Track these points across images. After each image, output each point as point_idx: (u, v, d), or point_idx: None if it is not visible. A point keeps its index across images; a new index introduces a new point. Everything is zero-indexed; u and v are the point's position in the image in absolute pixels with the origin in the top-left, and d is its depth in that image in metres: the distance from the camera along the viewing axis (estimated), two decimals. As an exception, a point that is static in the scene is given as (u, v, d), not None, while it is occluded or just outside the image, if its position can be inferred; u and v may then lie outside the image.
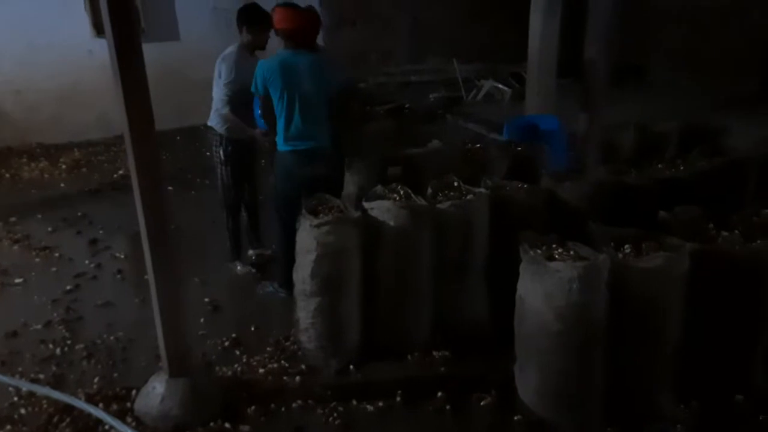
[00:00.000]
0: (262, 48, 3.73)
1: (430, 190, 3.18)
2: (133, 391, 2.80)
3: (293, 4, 3.36)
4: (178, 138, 6.96)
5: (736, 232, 2.68)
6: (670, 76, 8.00)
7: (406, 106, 7.50)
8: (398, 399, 2.76)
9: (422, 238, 2.98)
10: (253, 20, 3.62)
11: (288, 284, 3.20)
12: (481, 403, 2.71)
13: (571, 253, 2.57)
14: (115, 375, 3.01)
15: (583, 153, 4.16)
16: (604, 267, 2.43)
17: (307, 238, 2.88)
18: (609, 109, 4.91)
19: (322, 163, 3.40)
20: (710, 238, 2.70)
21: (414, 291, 3.03)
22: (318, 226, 2.82)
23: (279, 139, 3.41)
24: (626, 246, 2.63)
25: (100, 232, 4.71)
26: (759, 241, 2.59)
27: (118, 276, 4.05)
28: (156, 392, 2.64)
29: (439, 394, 2.76)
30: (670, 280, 2.49)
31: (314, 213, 2.96)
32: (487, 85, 8.28)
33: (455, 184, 3.26)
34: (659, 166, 3.63)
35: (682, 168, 3.54)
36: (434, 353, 3.04)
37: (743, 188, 3.57)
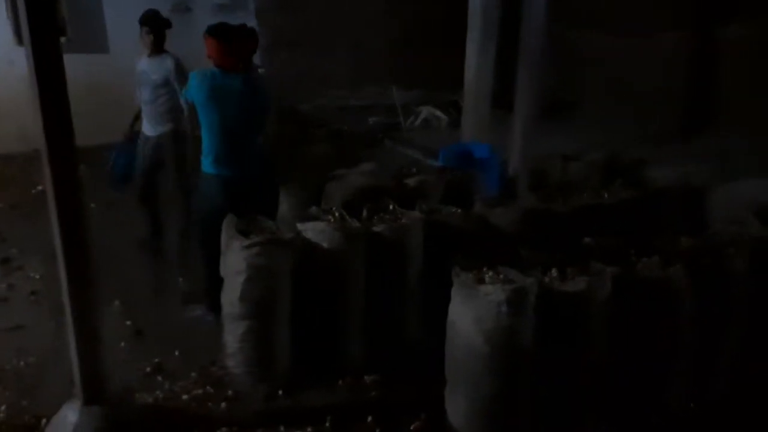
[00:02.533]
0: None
1: (365, 213, 3.18)
2: (44, 420, 2.63)
3: (224, 31, 3.23)
4: (105, 154, 6.69)
5: (655, 258, 2.80)
6: (598, 110, 8.37)
7: (345, 129, 7.53)
8: (327, 424, 2.70)
9: (356, 261, 2.96)
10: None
11: (216, 307, 3.10)
12: (411, 427, 2.69)
13: (501, 276, 2.62)
14: (24, 403, 2.82)
15: (514, 181, 4.27)
16: (532, 290, 2.48)
17: (237, 259, 2.81)
18: (541, 140, 5.09)
19: (247, 191, 3.27)
20: (631, 263, 2.80)
21: (347, 314, 3.00)
22: (248, 247, 2.76)
23: (203, 159, 3.32)
24: (553, 270, 2.70)
25: (14, 250, 4.44)
26: (675, 267, 2.71)
27: (32, 297, 3.82)
28: (68, 421, 2.49)
29: (369, 418, 2.73)
30: (593, 304, 2.56)
31: (245, 234, 2.89)
32: (425, 111, 8.43)
33: (390, 207, 3.27)
34: (585, 195, 3.77)
35: (606, 197, 3.68)
36: (366, 377, 3.00)
37: (662, 217, 3.74)
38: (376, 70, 9.60)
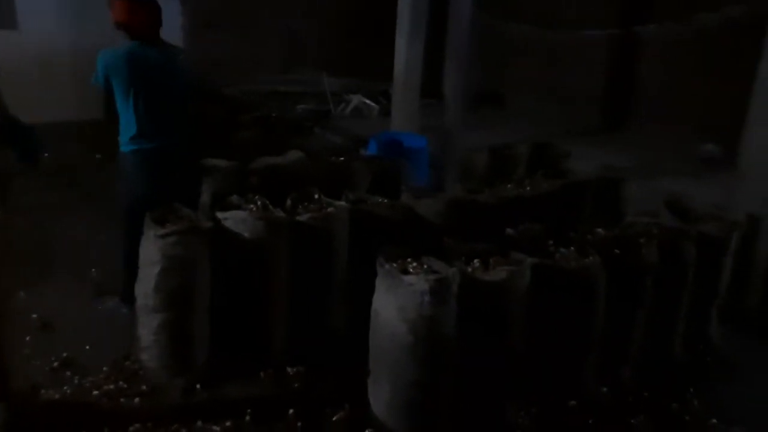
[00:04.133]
0: None
1: (289, 202, 3.11)
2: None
3: None
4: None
5: (572, 248, 2.88)
6: (526, 103, 8.57)
7: (273, 115, 7.37)
8: (248, 418, 2.63)
9: (279, 251, 2.89)
10: None
11: (130, 299, 2.96)
12: (334, 419, 2.67)
13: (425, 267, 2.62)
14: None
15: (442, 171, 4.31)
16: (454, 280, 2.50)
17: (152, 249, 2.69)
18: (469, 131, 5.16)
19: (171, 166, 3.16)
20: (549, 253, 2.87)
21: (269, 306, 2.93)
22: (163, 236, 2.64)
23: (122, 138, 3.16)
24: (476, 260, 2.73)
25: None
26: (591, 258, 2.80)
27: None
28: (-36, 421, 2.31)
29: (291, 411, 2.68)
30: (514, 293, 2.61)
31: (161, 222, 2.77)
32: (356, 100, 8.37)
33: (316, 196, 3.21)
34: (508, 186, 3.84)
35: (528, 188, 3.76)
36: (288, 369, 2.95)
37: (581, 208, 3.87)
38: (307, 56, 9.46)
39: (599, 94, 8.01)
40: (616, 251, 2.92)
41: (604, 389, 2.94)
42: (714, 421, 2.77)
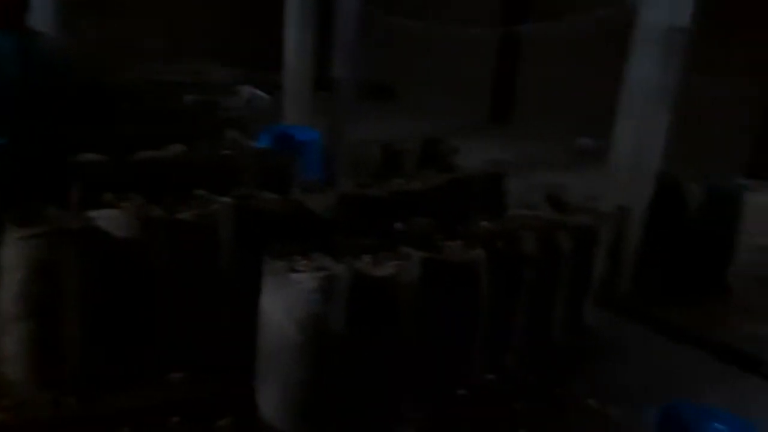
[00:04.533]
0: None
1: (169, 199, 2.94)
2: None
3: None
4: None
5: (459, 241, 2.94)
6: (418, 97, 8.73)
7: (156, 106, 6.98)
8: (126, 430, 2.48)
9: (158, 251, 2.73)
10: None
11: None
12: (220, 424, 2.57)
13: (313, 264, 2.58)
14: None
15: (333, 165, 4.28)
16: (343, 277, 2.48)
17: (13, 253, 2.45)
18: (362, 126, 5.16)
19: (23, 169, 2.88)
20: (438, 247, 2.92)
21: (148, 309, 2.77)
22: (26, 239, 2.42)
23: None
24: (366, 256, 2.72)
25: None
26: (477, 250, 2.88)
27: None
28: None
29: (175, 419, 2.55)
30: (403, 287, 2.63)
31: (23, 224, 2.52)
32: (247, 91, 8.13)
33: (199, 192, 3.07)
34: (399, 180, 3.87)
35: (418, 183, 3.81)
36: (171, 376, 2.80)
37: (467, 202, 3.97)
38: (196, 44, 9.07)
39: (487, 89, 8.32)
40: (499, 244, 3.02)
41: (491, 377, 3.04)
42: (591, 401, 2.94)
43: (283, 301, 2.45)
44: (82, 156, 3.21)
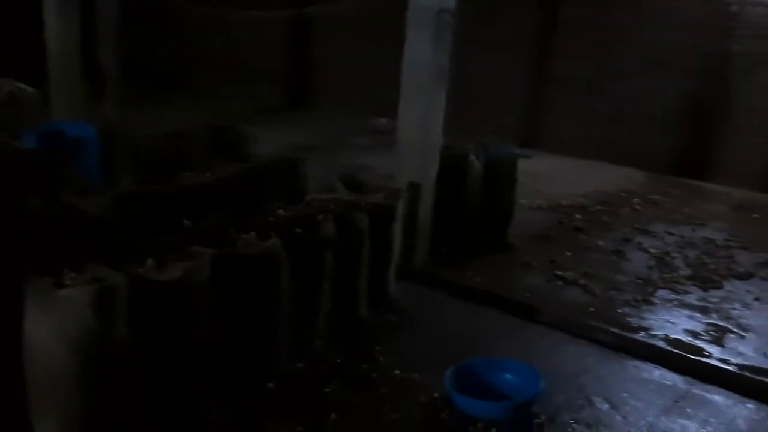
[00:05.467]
0: None
1: None
2: None
3: None
4: None
5: (253, 233, 2.85)
6: (210, 84, 8.34)
7: None
8: None
9: None
10: None
11: None
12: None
13: (86, 276, 2.31)
14: None
15: (112, 162, 3.90)
16: (122, 286, 2.26)
17: None
18: (147, 117, 4.77)
19: None
20: (231, 241, 2.80)
21: None
22: None
23: None
24: (149, 260, 2.51)
25: None
26: (272, 240, 2.81)
27: None
28: None
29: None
30: (194, 289, 2.48)
31: None
32: (8, 84, 7.11)
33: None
34: (188, 173, 3.64)
35: (208, 175, 3.62)
36: None
37: (264, 191, 3.87)
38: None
39: (281, 73, 8.22)
40: (297, 230, 2.98)
41: (300, 364, 3.01)
42: (397, 372, 3.04)
43: (52, 321, 2.16)
44: None
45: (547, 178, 5.92)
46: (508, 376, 2.91)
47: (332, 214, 3.20)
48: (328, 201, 3.41)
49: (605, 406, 2.89)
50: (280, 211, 3.19)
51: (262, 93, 7.85)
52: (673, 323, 3.65)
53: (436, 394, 2.86)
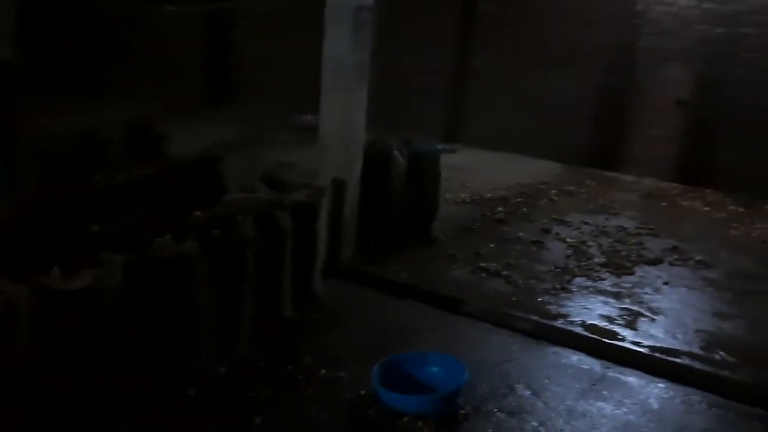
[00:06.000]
0: None
1: None
2: None
3: None
4: None
5: (168, 236, 2.74)
6: (127, 82, 7.99)
7: None
8: None
9: None
10: None
11: None
12: None
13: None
14: None
15: (14, 165, 3.67)
16: (23, 299, 2.12)
17: None
18: (58, 116, 4.51)
19: None
20: (145, 245, 2.68)
21: None
22: None
23: None
24: (55, 269, 2.37)
25: None
26: (189, 243, 2.71)
27: None
28: None
29: None
30: (104, 296, 2.36)
31: None
32: None
33: None
34: (100, 175, 3.47)
35: (122, 176, 3.47)
36: None
37: (182, 192, 3.74)
38: None
39: (201, 70, 7.98)
40: (215, 232, 2.89)
41: (222, 369, 2.93)
42: (323, 371, 3.01)
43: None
44: None
45: (471, 172, 6.03)
46: (434, 369, 2.94)
47: (252, 213, 3.13)
48: (248, 200, 3.33)
49: (527, 393, 2.98)
50: (198, 213, 3.09)
51: (182, 90, 7.58)
52: (589, 309, 3.79)
53: (362, 392, 2.85)
